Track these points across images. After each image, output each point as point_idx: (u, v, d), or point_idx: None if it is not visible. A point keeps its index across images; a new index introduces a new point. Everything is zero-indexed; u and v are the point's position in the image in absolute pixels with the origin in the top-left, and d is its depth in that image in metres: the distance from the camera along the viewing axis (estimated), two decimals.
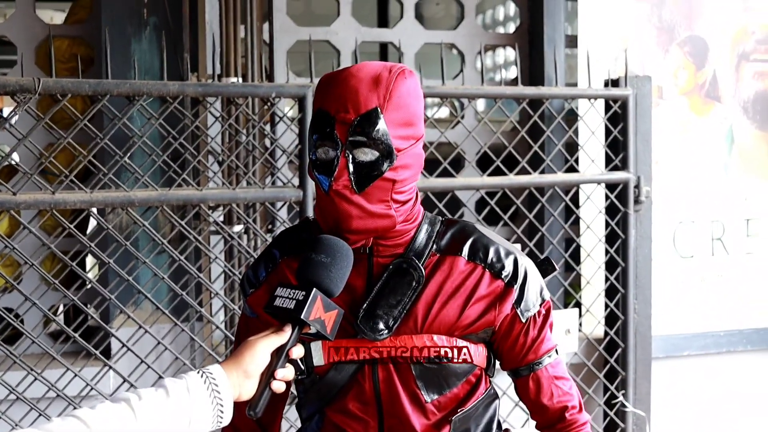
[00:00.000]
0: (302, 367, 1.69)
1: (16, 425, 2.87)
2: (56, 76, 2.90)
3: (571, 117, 3.84)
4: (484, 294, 1.69)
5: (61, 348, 3.06)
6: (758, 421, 4.19)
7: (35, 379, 2.88)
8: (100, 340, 3.30)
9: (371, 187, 1.58)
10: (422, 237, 1.70)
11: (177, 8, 3.50)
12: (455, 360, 1.69)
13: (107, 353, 3.35)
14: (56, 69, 3.01)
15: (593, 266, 3.76)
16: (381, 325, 1.65)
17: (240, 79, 3.40)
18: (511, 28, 4.25)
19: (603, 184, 3.70)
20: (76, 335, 2.93)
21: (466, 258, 1.70)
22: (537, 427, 1.84)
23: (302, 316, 1.52)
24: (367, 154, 1.58)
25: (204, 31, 3.41)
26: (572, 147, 3.82)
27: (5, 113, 2.90)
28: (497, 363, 1.83)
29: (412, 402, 1.70)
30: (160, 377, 3.00)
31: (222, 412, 1.46)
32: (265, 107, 3.27)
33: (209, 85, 3.04)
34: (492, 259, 1.70)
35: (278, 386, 1.52)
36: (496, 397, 1.83)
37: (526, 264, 1.74)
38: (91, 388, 2.99)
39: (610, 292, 3.76)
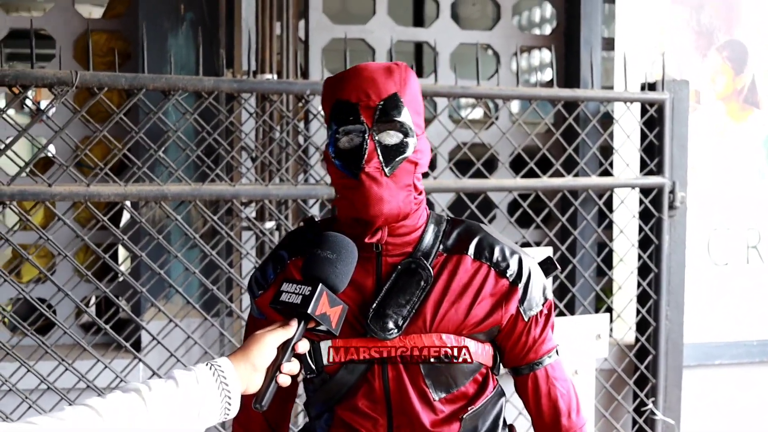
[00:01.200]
0: (312, 366, 1.72)
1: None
2: (93, 69, 2.92)
3: (607, 120, 3.81)
4: (490, 293, 1.72)
5: (92, 339, 3.08)
6: None
7: (66, 369, 2.91)
8: (130, 333, 3.32)
9: (398, 169, 1.64)
10: (429, 236, 1.74)
11: (213, 4, 3.52)
12: (463, 359, 1.71)
13: (137, 346, 3.37)
14: (93, 63, 3.04)
15: (626, 271, 3.73)
16: (390, 325, 1.68)
17: (275, 76, 3.41)
18: (548, 29, 4.22)
19: (637, 189, 3.67)
20: (107, 327, 2.95)
21: (472, 257, 1.73)
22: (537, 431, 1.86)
23: (309, 311, 1.56)
24: (393, 137, 1.64)
25: (240, 27, 3.42)
26: (607, 150, 3.78)
27: (42, 106, 2.93)
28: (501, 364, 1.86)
29: (421, 400, 1.72)
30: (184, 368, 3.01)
31: (230, 403, 1.47)
32: (300, 104, 3.27)
33: (244, 81, 3.05)
34: (497, 258, 1.73)
35: (284, 380, 1.55)
36: (502, 395, 1.85)
37: (530, 263, 1.77)
38: (121, 380, 3.01)
39: (642, 298, 3.72)
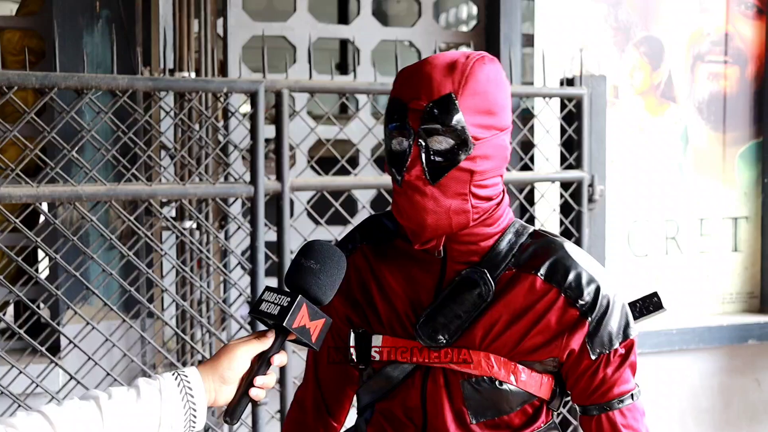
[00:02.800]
0: (354, 357, 1.66)
1: None
2: (7, 68, 2.86)
3: (527, 115, 3.85)
4: (554, 321, 1.55)
5: (7, 345, 3.01)
6: (708, 417, 4.23)
7: None
8: (48, 337, 3.26)
9: (446, 178, 1.49)
10: (503, 247, 1.58)
11: (130, 1, 3.47)
12: (509, 384, 1.57)
13: (56, 350, 3.30)
14: (7, 61, 2.98)
15: None
16: (440, 335, 1.57)
17: (193, 74, 3.37)
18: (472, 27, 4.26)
19: (557, 183, 3.71)
20: (21, 332, 2.89)
21: (543, 278, 1.56)
22: None
23: (284, 323, 1.46)
24: (442, 143, 1.49)
25: (157, 24, 3.38)
26: (527, 145, 3.83)
27: None
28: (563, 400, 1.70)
29: (456, 420, 1.60)
30: (108, 374, 2.97)
31: (195, 416, 1.42)
32: (218, 102, 3.24)
33: (160, 80, 3.01)
34: (571, 284, 1.55)
35: (257, 393, 1.46)
36: None
37: (612, 295, 1.58)
38: (37, 385, 2.95)
39: None
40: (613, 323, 1.57)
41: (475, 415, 1.59)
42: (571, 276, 1.55)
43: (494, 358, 1.56)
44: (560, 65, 3.87)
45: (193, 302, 3.41)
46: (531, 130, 3.76)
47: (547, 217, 3.73)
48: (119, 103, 2.94)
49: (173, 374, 1.42)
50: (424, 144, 1.49)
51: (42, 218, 3.77)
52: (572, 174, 3.68)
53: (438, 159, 1.49)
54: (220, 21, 3.68)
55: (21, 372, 2.90)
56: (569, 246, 1.61)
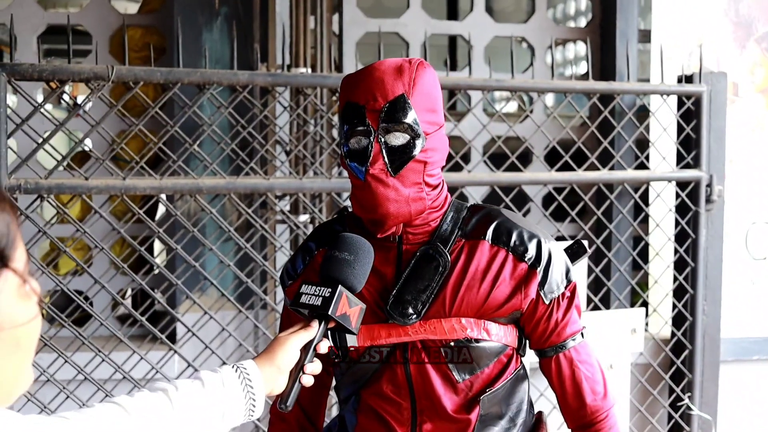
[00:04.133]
0: (336, 351, 1.76)
1: (84, 405, 2.93)
2: (129, 64, 2.95)
3: (643, 113, 3.77)
4: (509, 277, 1.73)
5: (128, 331, 3.11)
6: None
7: (102, 360, 2.94)
8: (166, 325, 3.35)
9: (405, 169, 1.66)
10: (448, 223, 1.76)
11: None
12: (484, 340, 1.73)
13: (173, 338, 3.40)
14: (129, 58, 3.07)
15: (662, 265, 3.70)
16: (410, 310, 1.71)
17: (309, 70, 3.41)
18: (583, 22, 4.19)
19: (674, 182, 3.63)
20: (143, 319, 2.98)
21: (490, 242, 1.75)
22: (563, 413, 1.85)
23: (330, 312, 1.58)
24: (399, 138, 1.66)
25: (274, 21, 3.43)
26: (643, 144, 3.75)
27: (80, 101, 2.96)
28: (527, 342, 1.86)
29: (445, 383, 1.74)
30: (224, 363, 3.04)
31: (254, 406, 1.49)
32: (334, 98, 3.27)
33: (278, 75, 3.05)
34: (515, 242, 1.74)
35: (307, 380, 1.58)
36: (525, 377, 1.85)
37: (551, 246, 1.77)
38: (156, 372, 3.04)
39: (679, 293, 3.68)
40: (557, 270, 1.76)
41: (459, 374, 1.74)
42: (514, 235, 1.75)
43: (465, 320, 1.72)
44: (678, 62, 3.77)
45: None
46: (647, 128, 3.68)
47: (663, 218, 3.65)
48: (239, 99, 3.00)
49: (233, 367, 1.49)
50: (383, 140, 1.66)
51: (160, 210, 3.88)
52: (690, 173, 3.59)
53: (397, 153, 1.66)
54: (335, 18, 3.71)
55: (142, 358, 2.99)
56: (506, 212, 1.81)
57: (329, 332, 1.70)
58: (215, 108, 3.14)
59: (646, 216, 3.68)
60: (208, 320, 3.10)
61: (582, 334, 1.82)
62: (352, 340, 1.74)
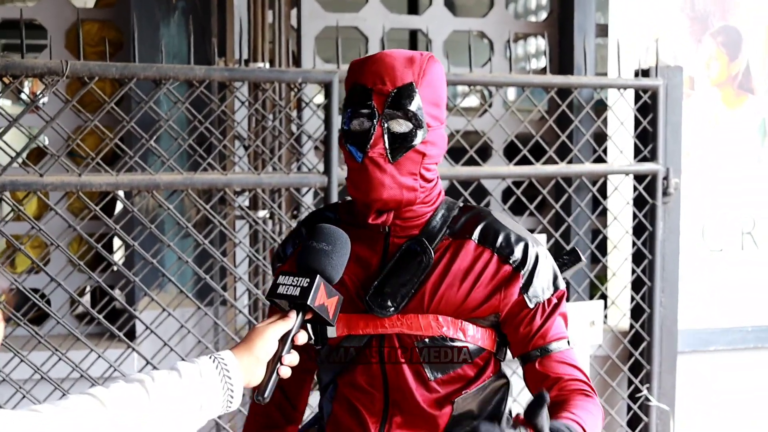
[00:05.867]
0: (314, 337, 1.76)
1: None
2: (85, 59, 2.92)
3: (600, 107, 3.80)
4: (490, 278, 1.72)
5: (86, 329, 3.08)
6: None
7: (59, 359, 2.91)
8: (124, 323, 3.32)
9: (403, 158, 1.66)
10: (437, 220, 1.76)
11: None
12: (459, 341, 1.72)
13: (131, 335, 3.37)
14: (85, 53, 3.03)
15: (620, 258, 3.73)
16: (389, 303, 1.71)
17: (267, 65, 3.40)
18: (543, 17, 4.21)
19: (631, 176, 3.67)
20: (101, 317, 2.95)
21: (476, 241, 1.74)
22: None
23: (308, 302, 1.57)
24: (402, 125, 1.65)
25: (232, 15, 3.41)
26: (601, 137, 3.78)
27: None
28: (508, 350, 1.82)
29: (416, 379, 1.74)
30: (183, 360, 3.02)
31: (232, 396, 1.48)
32: (292, 93, 3.26)
33: (236, 70, 3.04)
34: (501, 244, 1.73)
35: (285, 371, 1.56)
36: (506, 383, 1.83)
37: (538, 251, 1.75)
38: (115, 370, 3.02)
39: (637, 285, 3.72)
40: (543, 275, 1.74)
41: (432, 372, 1.74)
42: (501, 237, 1.74)
43: (442, 318, 1.72)
44: (635, 56, 3.81)
45: (266, 291, 3.45)
46: (604, 121, 3.71)
47: (621, 211, 3.69)
48: (196, 94, 2.98)
49: (210, 357, 1.48)
50: (386, 125, 1.66)
51: (118, 206, 3.85)
52: (647, 167, 3.63)
53: (398, 140, 1.66)
54: (293, 12, 3.70)
55: (99, 356, 2.96)
56: (496, 213, 1.80)
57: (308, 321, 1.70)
58: (172, 103, 3.12)
59: (604, 209, 3.71)
60: (167, 317, 3.08)
61: (568, 342, 1.76)
62: (331, 331, 1.74)
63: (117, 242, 4.21)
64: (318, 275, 1.59)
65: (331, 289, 1.61)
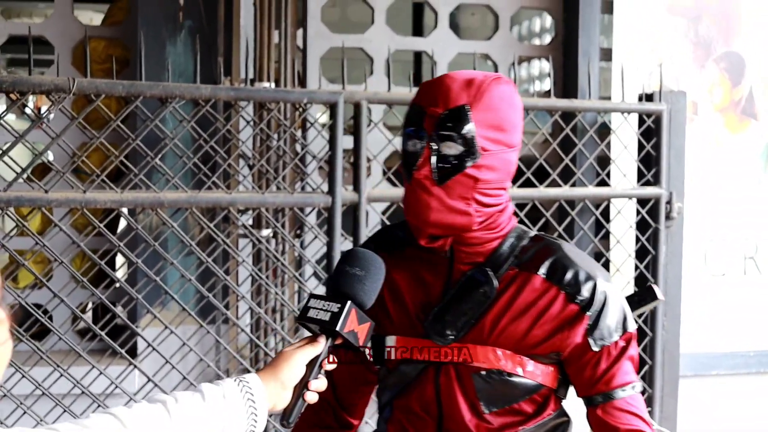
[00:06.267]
0: (371, 357, 1.74)
1: (41, 420, 2.89)
2: (92, 76, 2.93)
3: (604, 130, 3.81)
4: (554, 316, 1.65)
5: (88, 345, 3.08)
6: None
7: (61, 375, 2.91)
8: (126, 339, 3.32)
9: (452, 181, 1.61)
10: (505, 249, 1.69)
11: (212, 12, 3.53)
12: (517, 376, 1.67)
13: (133, 352, 3.37)
14: (92, 70, 3.04)
15: (622, 282, 3.73)
16: (448, 331, 1.67)
17: (273, 84, 3.42)
18: (547, 40, 4.24)
19: (634, 199, 3.67)
20: (103, 333, 2.95)
21: (544, 277, 1.67)
22: None
23: (337, 329, 1.53)
24: (452, 148, 1.60)
25: (238, 35, 3.43)
26: (604, 161, 3.79)
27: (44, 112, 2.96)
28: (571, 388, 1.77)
29: (471, 410, 1.69)
30: (185, 378, 3.02)
31: (256, 421, 1.46)
32: (297, 113, 3.28)
33: (241, 90, 3.05)
34: (569, 281, 1.66)
35: (311, 397, 1.54)
36: (566, 422, 1.77)
37: (608, 290, 1.67)
38: (116, 387, 3.01)
39: None
40: (612, 317, 1.66)
41: (487, 405, 1.68)
42: (570, 274, 1.66)
43: (501, 351, 1.66)
44: (639, 80, 3.82)
45: (268, 310, 3.45)
46: (608, 145, 3.72)
47: (624, 234, 3.69)
48: (201, 112, 3.00)
49: (235, 380, 1.46)
50: (435, 147, 1.61)
51: (122, 224, 3.86)
52: (650, 191, 3.63)
53: (446, 162, 1.61)
54: (299, 32, 3.72)
55: (101, 373, 2.96)
56: (567, 247, 1.72)
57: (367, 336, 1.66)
58: (178, 122, 3.13)
59: (607, 232, 3.72)
60: (169, 335, 3.07)
61: (634, 387, 1.68)
62: (390, 341, 1.72)
63: (120, 259, 4.21)
64: (349, 301, 1.55)
65: (362, 315, 1.57)
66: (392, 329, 1.75)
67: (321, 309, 1.56)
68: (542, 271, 1.67)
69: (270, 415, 1.55)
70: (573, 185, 3.61)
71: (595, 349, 1.65)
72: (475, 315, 1.66)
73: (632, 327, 1.69)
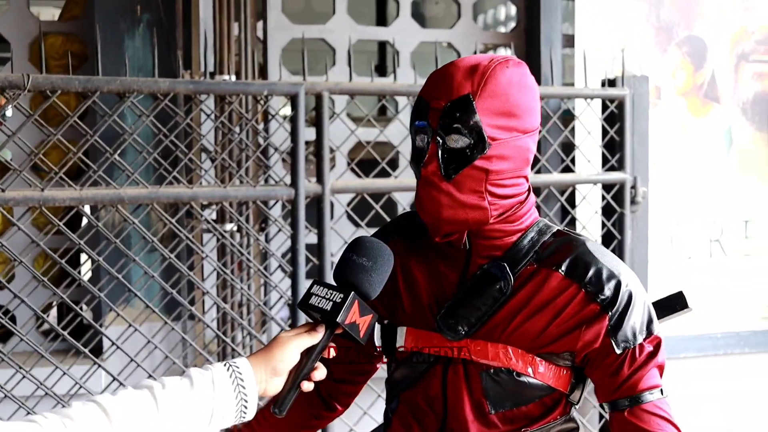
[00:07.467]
0: (379, 348, 1.72)
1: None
2: (50, 72, 2.89)
3: (568, 117, 3.82)
4: (572, 314, 1.58)
5: (51, 346, 3.04)
6: (755, 423, 4.16)
7: (23, 377, 2.87)
8: (90, 338, 3.28)
9: (461, 175, 1.54)
10: (525, 243, 1.62)
11: (170, 5, 3.49)
12: (527, 376, 1.61)
13: (98, 351, 3.33)
14: (50, 66, 3.00)
15: None
16: (459, 326, 1.62)
17: (233, 77, 3.38)
18: (510, 27, 4.24)
19: (599, 185, 3.68)
20: (65, 333, 2.91)
21: (564, 274, 1.59)
22: None
23: (338, 320, 1.49)
24: (458, 141, 1.53)
25: (197, 28, 3.40)
26: (568, 147, 3.79)
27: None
28: (583, 394, 1.71)
29: (475, 410, 1.64)
30: (150, 376, 2.99)
31: (246, 406, 1.43)
32: (258, 105, 3.25)
33: (200, 83, 3.02)
34: (591, 279, 1.58)
35: (308, 386, 1.51)
36: (574, 429, 1.71)
37: (633, 290, 1.59)
38: (80, 387, 2.98)
39: None
40: (636, 318, 1.58)
41: (494, 406, 1.63)
42: (591, 272, 1.58)
43: (512, 350, 1.60)
44: (601, 66, 3.83)
45: (234, 305, 3.42)
46: (572, 131, 3.72)
47: (589, 220, 3.70)
48: (161, 107, 2.96)
49: (225, 365, 1.43)
50: (441, 141, 1.54)
51: (84, 221, 3.81)
52: (614, 176, 3.64)
53: (453, 156, 1.54)
54: (259, 24, 3.69)
55: (65, 373, 2.92)
56: (590, 244, 1.63)
57: (378, 327, 1.65)
58: (137, 116, 3.09)
59: (573, 218, 3.72)
60: (133, 332, 3.04)
61: (662, 391, 1.62)
62: (399, 344, 1.68)
63: (83, 257, 4.16)
64: (353, 292, 1.50)
65: (365, 306, 1.52)
66: (405, 320, 1.70)
67: (323, 297, 1.52)
68: (562, 268, 1.59)
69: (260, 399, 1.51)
70: (538, 172, 3.61)
71: (618, 351, 1.58)
72: (489, 311, 1.60)
73: (657, 330, 1.62)
